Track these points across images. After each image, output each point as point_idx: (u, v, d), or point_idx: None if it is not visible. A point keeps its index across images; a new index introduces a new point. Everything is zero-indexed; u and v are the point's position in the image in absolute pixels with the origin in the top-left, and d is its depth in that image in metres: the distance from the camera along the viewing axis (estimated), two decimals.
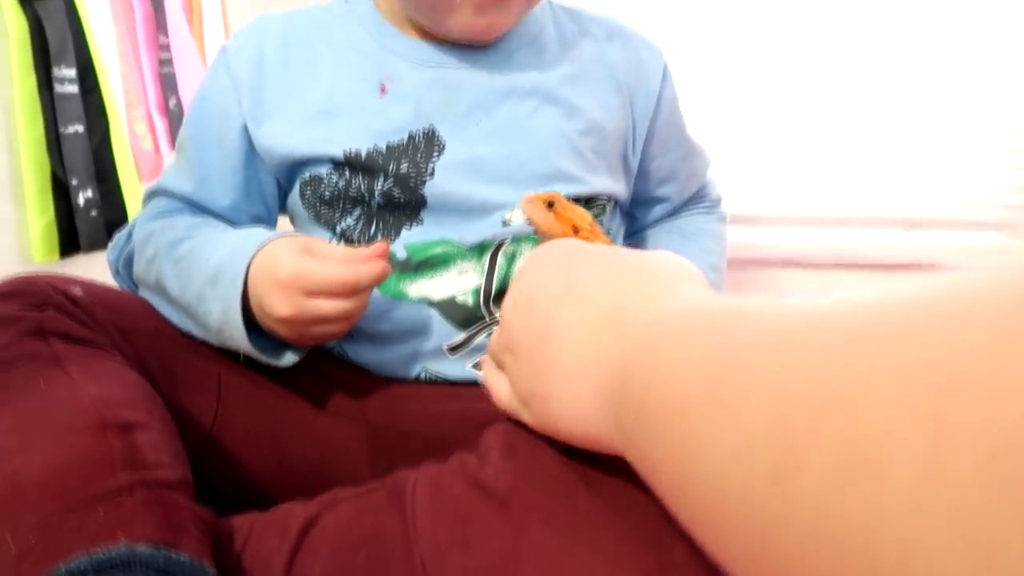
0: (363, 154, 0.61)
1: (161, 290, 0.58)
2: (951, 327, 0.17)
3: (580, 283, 0.37)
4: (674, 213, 0.79)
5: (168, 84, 1.29)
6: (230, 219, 0.66)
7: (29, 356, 0.45)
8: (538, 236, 0.54)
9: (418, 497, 0.43)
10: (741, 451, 0.21)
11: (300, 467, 0.57)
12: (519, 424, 0.47)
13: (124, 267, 0.65)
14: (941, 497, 0.15)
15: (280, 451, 0.57)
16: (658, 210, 0.78)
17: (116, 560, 0.36)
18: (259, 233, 0.56)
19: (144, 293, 0.61)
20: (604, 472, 0.40)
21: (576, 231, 0.48)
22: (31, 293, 0.49)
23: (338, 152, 0.62)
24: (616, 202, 0.70)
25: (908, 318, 0.18)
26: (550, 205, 0.51)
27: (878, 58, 1.28)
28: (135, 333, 0.53)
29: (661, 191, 0.75)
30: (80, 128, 1.12)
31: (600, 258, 0.39)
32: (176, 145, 0.69)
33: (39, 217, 1.08)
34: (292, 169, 0.64)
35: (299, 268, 0.51)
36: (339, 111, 0.62)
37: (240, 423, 0.56)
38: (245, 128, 0.64)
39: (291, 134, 0.63)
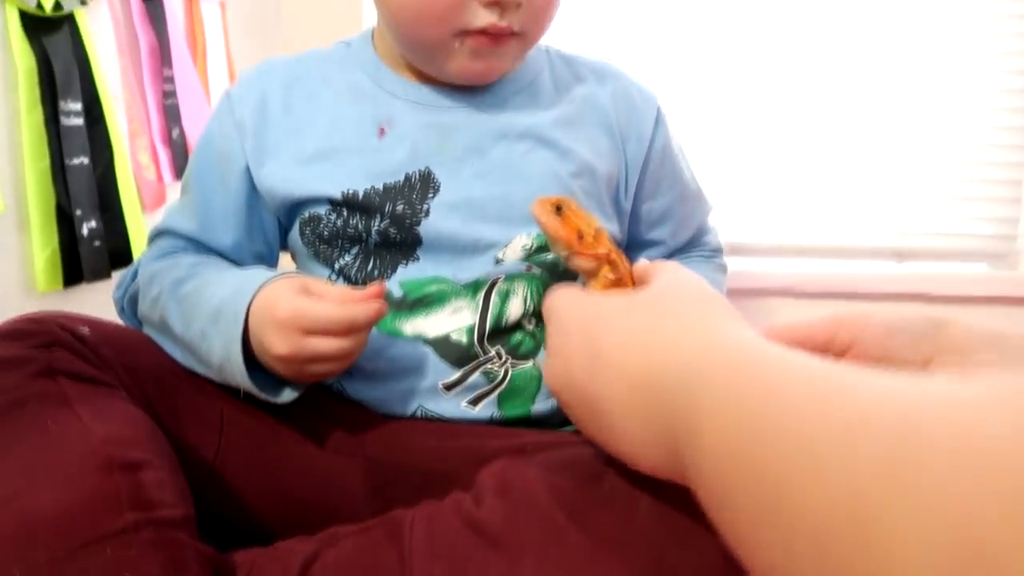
0: (360, 194, 0.63)
1: (165, 328, 0.60)
2: None
3: (606, 352, 0.38)
4: (669, 257, 0.79)
5: (171, 115, 1.31)
6: (233, 257, 0.68)
7: (39, 396, 0.46)
8: (547, 240, 0.56)
9: (415, 535, 0.45)
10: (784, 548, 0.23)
11: (300, 502, 0.58)
12: (514, 461, 0.49)
13: (129, 305, 0.67)
14: None
15: (280, 486, 0.58)
16: (652, 253, 0.79)
17: None
18: (260, 273, 0.58)
19: (148, 330, 0.63)
20: (595, 509, 0.42)
21: (580, 237, 0.49)
22: (40, 333, 0.50)
23: (336, 192, 0.63)
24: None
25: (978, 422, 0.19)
26: (558, 209, 0.51)
27: (869, 92, 1.31)
28: (140, 370, 0.55)
29: (653, 234, 0.76)
30: (85, 160, 1.14)
31: (616, 315, 0.40)
32: (181, 185, 0.71)
33: (43, 247, 1.10)
34: (292, 209, 0.66)
35: (297, 307, 0.53)
36: (338, 153, 0.64)
37: (241, 458, 0.58)
38: (247, 170, 0.66)
39: (291, 175, 0.65)
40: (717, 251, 0.82)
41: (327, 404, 0.63)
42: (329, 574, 0.46)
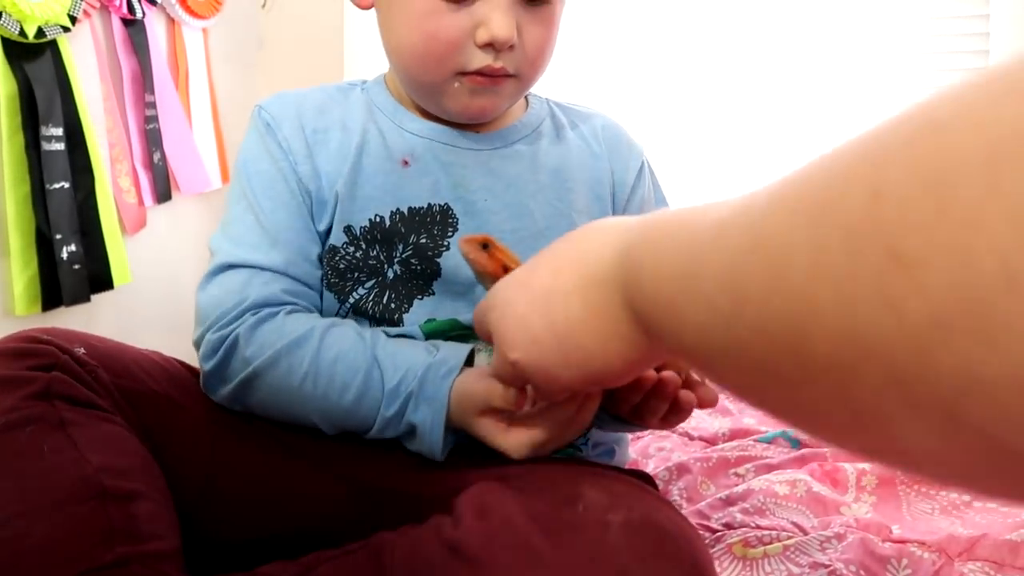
0: (387, 221, 0.65)
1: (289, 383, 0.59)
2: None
3: (548, 287, 0.42)
4: None
5: (153, 139, 1.32)
6: (309, 281, 0.66)
7: (35, 419, 0.47)
8: (475, 275, 0.59)
9: (396, 558, 0.46)
10: (709, 309, 0.27)
11: (286, 526, 0.59)
12: (493, 485, 0.50)
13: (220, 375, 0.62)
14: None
15: (269, 509, 0.59)
16: None
17: None
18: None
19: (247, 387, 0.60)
20: (568, 530, 0.44)
21: (506, 270, 0.54)
22: (40, 354, 0.51)
23: (364, 220, 0.65)
24: None
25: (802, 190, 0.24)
26: (484, 246, 0.57)
27: (863, 111, 1.36)
28: (134, 394, 0.56)
29: None
30: (66, 184, 1.14)
31: (540, 258, 0.45)
32: (232, 216, 0.67)
33: (22, 271, 1.10)
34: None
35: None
36: (365, 181, 0.66)
37: (231, 481, 0.59)
38: (307, 192, 0.66)
39: (323, 208, 0.66)
40: None
41: (317, 430, 0.63)
42: None
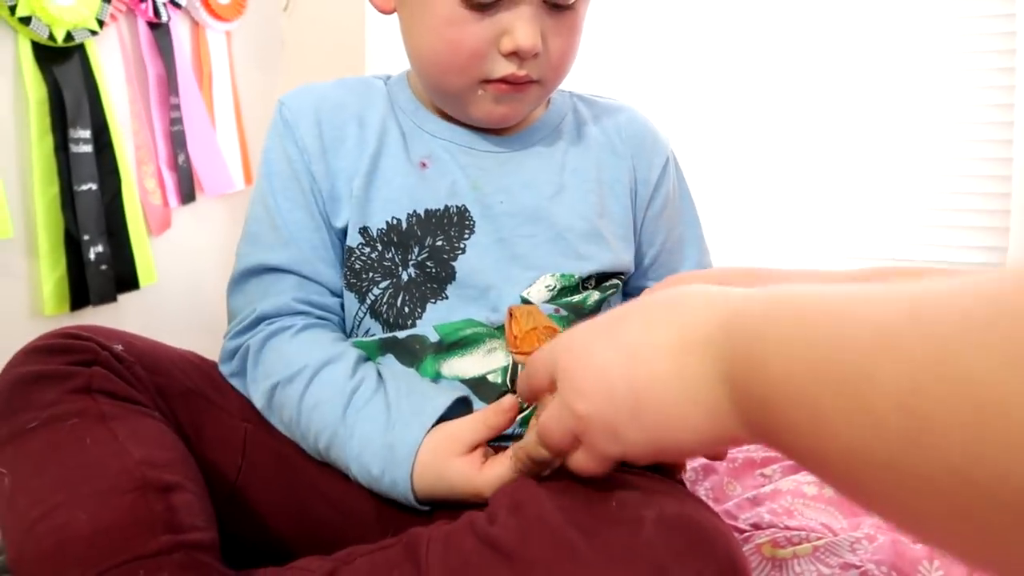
0: (403, 223, 0.65)
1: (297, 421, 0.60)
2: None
3: (633, 343, 0.38)
4: None
5: (178, 141, 1.34)
6: (330, 285, 0.67)
7: (77, 413, 0.48)
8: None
9: (432, 553, 0.46)
10: (874, 425, 0.25)
11: (316, 522, 0.60)
12: (525, 482, 0.50)
13: (239, 361, 0.64)
14: None
15: (298, 508, 0.60)
16: None
17: None
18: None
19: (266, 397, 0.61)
20: (604, 526, 0.44)
21: (515, 338, 0.58)
22: (80, 350, 0.52)
23: (380, 222, 0.65)
24: (626, 280, 0.74)
25: (995, 309, 0.22)
26: (511, 315, 0.60)
27: (860, 123, 1.35)
28: (169, 391, 0.56)
29: (648, 281, 0.76)
30: (93, 186, 1.16)
31: (628, 309, 0.41)
32: (252, 215, 0.68)
33: (51, 272, 1.12)
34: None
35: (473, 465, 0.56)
36: (382, 183, 0.66)
37: (261, 479, 0.59)
38: (321, 192, 0.66)
39: (338, 205, 0.66)
40: None
41: None
42: None
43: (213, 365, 0.65)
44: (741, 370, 0.32)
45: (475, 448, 0.56)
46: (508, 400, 0.57)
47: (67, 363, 0.50)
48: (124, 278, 1.21)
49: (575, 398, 0.41)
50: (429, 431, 0.56)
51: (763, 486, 0.80)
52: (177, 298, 1.35)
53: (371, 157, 0.67)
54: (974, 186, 1.32)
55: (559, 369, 0.43)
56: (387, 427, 0.57)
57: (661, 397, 0.36)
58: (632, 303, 0.42)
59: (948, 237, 1.34)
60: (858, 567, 0.63)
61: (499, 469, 0.54)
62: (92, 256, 1.15)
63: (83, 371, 0.50)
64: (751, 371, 0.31)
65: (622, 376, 0.38)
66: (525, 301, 0.66)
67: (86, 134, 1.16)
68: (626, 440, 0.39)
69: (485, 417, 0.56)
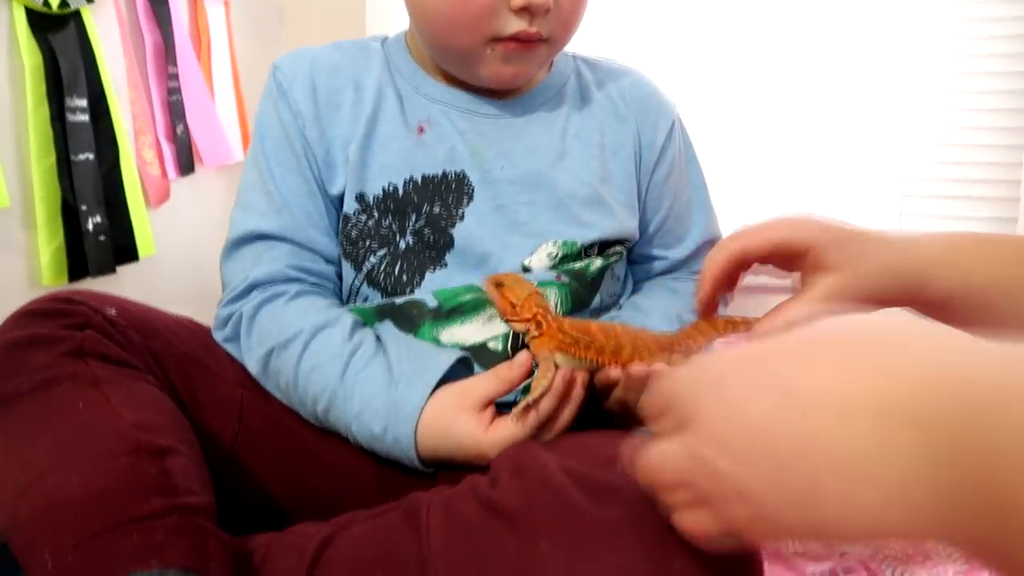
0: (400, 190, 0.64)
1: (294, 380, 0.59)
2: None
3: (804, 386, 0.29)
4: (668, 273, 0.76)
5: (176, 112, 1.32)
6: (326, 253, 0.66)
7: (69, 377, 0.47)
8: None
9: (432, 518, 0.46)
10: None
11: (314, 489, 0.59)
12: (527, 445, 0.49)
13: (233, 329, 0.63)
14: None
15: (295, 474, 0.59)
16: (656, 267, 0.76)
17: None
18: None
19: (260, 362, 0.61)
20: (608, 489, 0.43)
21: (512, 306, 0.57)
22: (72, 314, 0.51)
23: (377, 189, 0.64)
24: (631, 248, 0.72)
25: None
26: (499, 285, 0.58)
27: (867, 94, 1.33)
28: (164, 355, 0.56)
29: (655, 248, 0.75)
30: (91, 156, 1.14)
31: (806, 344, 0.31)
32: (246, 182, 0.67)
33: (49, 242, 1.11)
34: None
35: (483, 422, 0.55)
36: (378, 148, 0.65)
37: (258, 446, 0.58)
38: (315, 158, 0.65)
39: (334, 171, 0.65)
40: None
41: None
42: (345, 556, 0.47)
43: (208, 331, 0.64)
44: (969, 459, 0.24)
45: (486, 405, 0.55)
46: (521, 355, 0.56)
47: (59, 327, 0.50)
48: (122, 249, 1.20)
49: (716, 451, 0.31)
50: (434, 389, 0.55)
51: None
52: (176, 270, 1.34)
53: (367, 122, 0.65)
54: (984, 156, 1.30)
55: (692, 402, 0.34)
56: (390, 386, 0.56)
57: (848, 481, 0.27)
58: (807, 330, 0.32)
59: (954, 208, 1.32)
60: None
61: (505, 431, 0.53)
62: (90, 227, 1.14)
63: (75, 335, 0.49)
64: (983, 465, 0.23)
65: (791, 442, 0.29)
66: (526, 270, 0.65)
67: (82, 103, 1.14)
68: (779, 521, 0.30)
69: (497, 371, 0.56)
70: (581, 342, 0.56)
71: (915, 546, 0.62)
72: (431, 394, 0.55)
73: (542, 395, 0.53)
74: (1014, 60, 1.26)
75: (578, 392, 0.56)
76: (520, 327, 0.58)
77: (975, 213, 1.31)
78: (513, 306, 0.57)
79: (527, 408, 0.53)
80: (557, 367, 0.55)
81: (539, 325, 0.57)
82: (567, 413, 0.55)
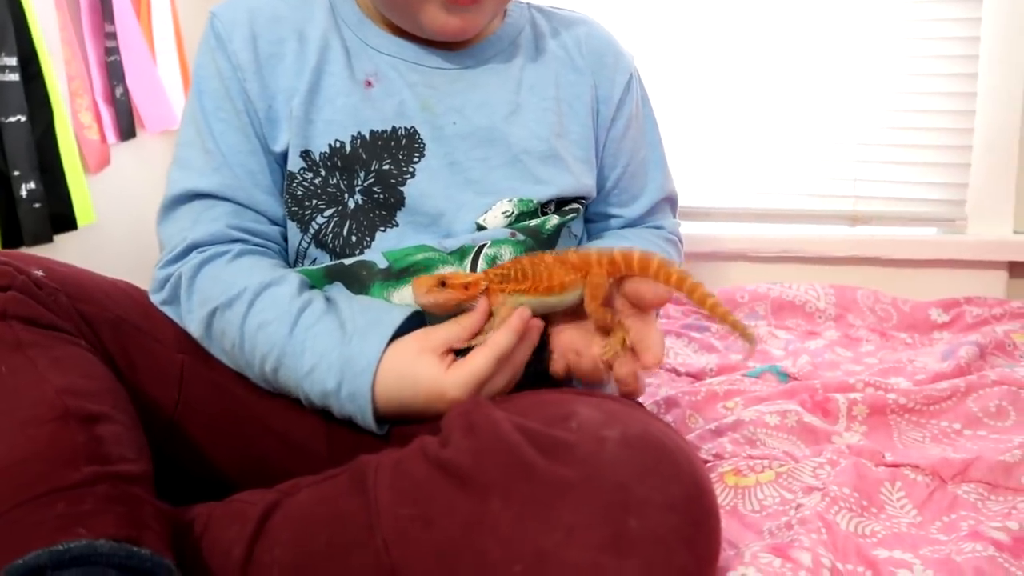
0: (347, 146, 0.61)
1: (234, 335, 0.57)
2: None
3: None
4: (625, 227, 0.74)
5: (114, 73, 1.26)
6: (270, 214, 0.63)
7: None
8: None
9: (380, 479, 0.44)
10: None
11: (260, 458, 0.57)
12: (479, 402, 0.48)
13: (171, 291, 0.60)
14: None
15: (241, 442, 0.57)
16: (611, 224, 0.75)
17: (76, 555, 0.36)
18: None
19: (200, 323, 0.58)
20: (562, 446, 0.41)
21: (466, 287, 0.55)
22: None
23: (323, 145, 0.61)
24: (587, 205, 0.71)
25: None
26: (443, 284, 0.55)
27: (825, 59, 1.32)
28: (97, 319, 0.53)
29: (611, 206, 0.73)
30: (22, 118, 1.09)
31: None
32: (183, 138, 0.64)
33: None
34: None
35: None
36: (324, 102, 0.62)
37: (201, 414, 0.56)
38: (255, 112, 0.62)
39: (277, 127, 0.62)
40: (674, 234, 0.76)
41: None
42: (290, 522, 0.45)
43: (146, 295, 0.61)
44: None
45: (447, 351, 0.54)
46: (480, 301, 0.55)
47: None
48: (60, 217, 1.15)
49: None
50: (388, 344, 0.53)
51: (725, 418, 0.79)
52: (118, 239, 1.29)
53: (311, 74, 0.62)
54: (938, 126, 1.31)
55: None
56: (343, 340, 0.54)
57: None
58: None
59: (908, 173, 1.33)
60: (820, 489, 0.63)
61: (466, 368, 0.52)
62: (24, 193, 1.08)
63: None
64: None
65: None
66: (480, 228, 0.63)
67: (12, 62, 1.08)
68: None
69: (457, 319, 0.55)
70: (511, 275, 0.56)
71: (870, 498, 0.63)
72: (386, 348, 0.53)
73: (500, 324, 0.54)
74: (964, 25, 1.27)
75: (534, 335, 0.56)
76: (476, 301, 0.56)
77: (927, 179, 1.32)
78: (467, 287, 0.55)
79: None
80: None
81: (487, 282, 0.56)
82: (523, 350, 0.55)
